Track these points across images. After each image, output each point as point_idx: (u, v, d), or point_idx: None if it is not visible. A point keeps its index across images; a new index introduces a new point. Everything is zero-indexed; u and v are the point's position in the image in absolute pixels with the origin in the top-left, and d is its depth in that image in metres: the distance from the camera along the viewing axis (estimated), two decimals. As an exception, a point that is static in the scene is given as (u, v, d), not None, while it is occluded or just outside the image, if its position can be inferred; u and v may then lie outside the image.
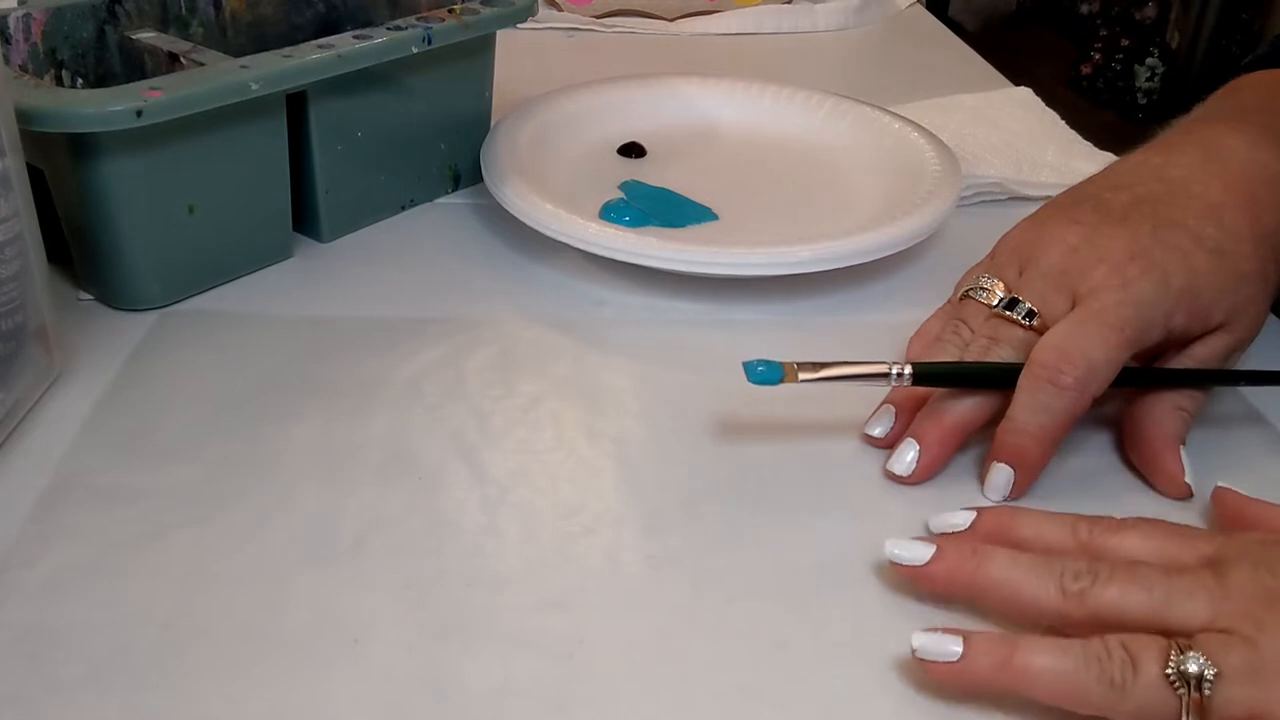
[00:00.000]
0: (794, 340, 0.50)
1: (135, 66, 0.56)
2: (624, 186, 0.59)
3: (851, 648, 0.34)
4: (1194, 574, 0.32)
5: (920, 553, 0.35)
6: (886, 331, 0.49)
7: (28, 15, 0.52)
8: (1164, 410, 0.42)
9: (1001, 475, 0.40)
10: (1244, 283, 0.42)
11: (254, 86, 0.47)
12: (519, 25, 0.59)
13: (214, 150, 0.49)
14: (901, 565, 0.36)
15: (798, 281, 0.52)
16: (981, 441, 0.42)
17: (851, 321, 0.52)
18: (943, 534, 0.38)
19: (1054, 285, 0.42)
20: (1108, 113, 2.12)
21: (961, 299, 0.45)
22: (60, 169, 0.47)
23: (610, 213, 0.55)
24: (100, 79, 0.56)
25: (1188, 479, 0.41)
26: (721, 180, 0.61)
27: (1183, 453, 0.41)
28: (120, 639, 0.34)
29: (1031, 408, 0.40)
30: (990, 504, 0.40)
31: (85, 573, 0.36)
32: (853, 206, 0.58)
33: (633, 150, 0.63)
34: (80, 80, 0.55)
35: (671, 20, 0.94)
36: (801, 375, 0.40)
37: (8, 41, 0.51)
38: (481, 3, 0.58)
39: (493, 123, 0.62)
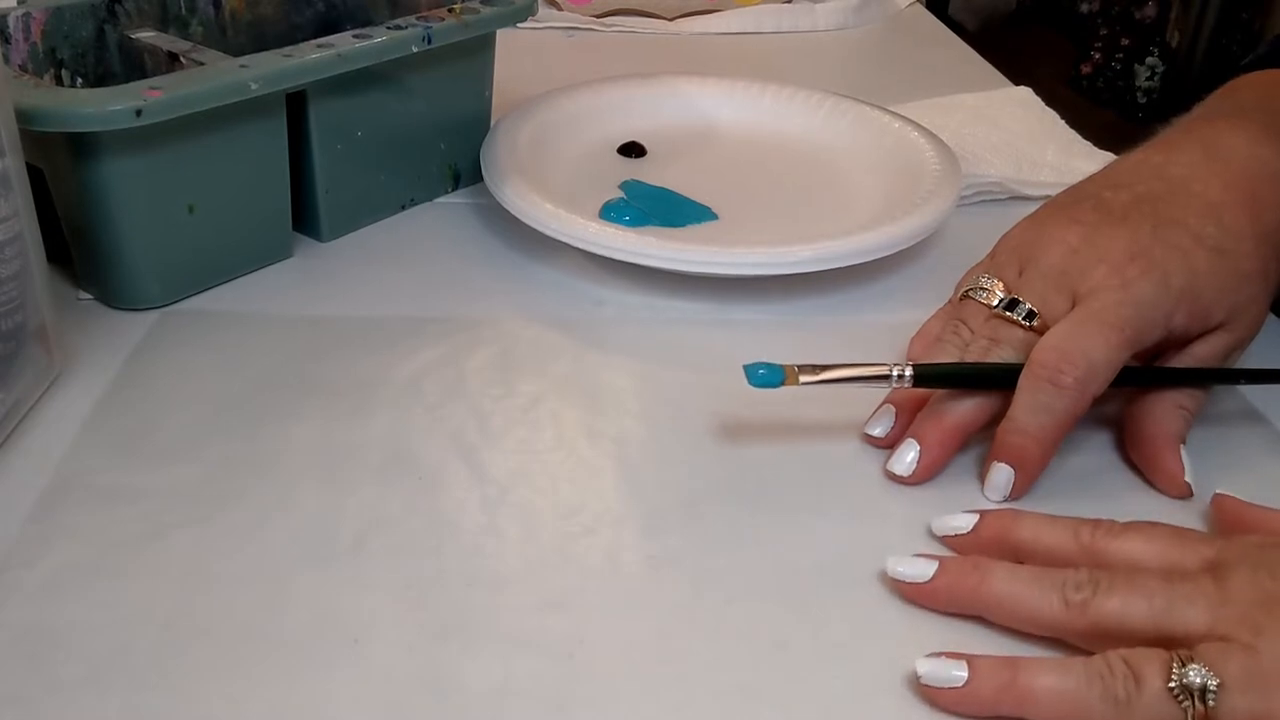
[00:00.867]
0: (794, 340, 0.50)
1: (135, 66, 0.56)
2: (624, 186, 0.59)
3: (851, 648, 0.34)
4: (1194, 580, 0.32)
5: (922, 570, 0.36)
6: (886, 332, 0.49)
7: (28, 15, 0.52)
8: (1165, 409, 0.42)
9: (1002, 475, 0.40)
10: (1245, 282, 0.42)
11: (254, 86, 0.47)
12: (519, 25, 0.59)
13: (214, 150, 0.49)
14: (903, 583, 0.36)
15: (798, 281, 0.52)
16: (982, 442, 0.42)
17: (851, 321, 0.52)
18: (943, 550, 0.38)
19: (1054, 285, 0.42)
20: (1108, 112, 2.12)
21: (961, 299, 0.45)
22: (60, 169, 0.47)
23: (610, 212, 0.55)
24: (100, 79, 0.56)
25: (1188, 478, 0.41)
26: (721, 180, 0.61)
27: (1183, 452, 0.41)
28: (120, 639, 0.34)
29: (1032, 408, 0.40)
30: (991, 504, 0.40)
31: (85, 573, 0.36)
32: (853, 206, 0.58)
33: (633, 150, 0.63)
34: (80, 80, 0.55)
35: (671, 20, 0.94)
36: (802, 378, 0.40)
37: (8, 41, 0.51)
38: (481, 2, 0.58)
39: (493, 122, 0.62)
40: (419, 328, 0.50)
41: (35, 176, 0.43)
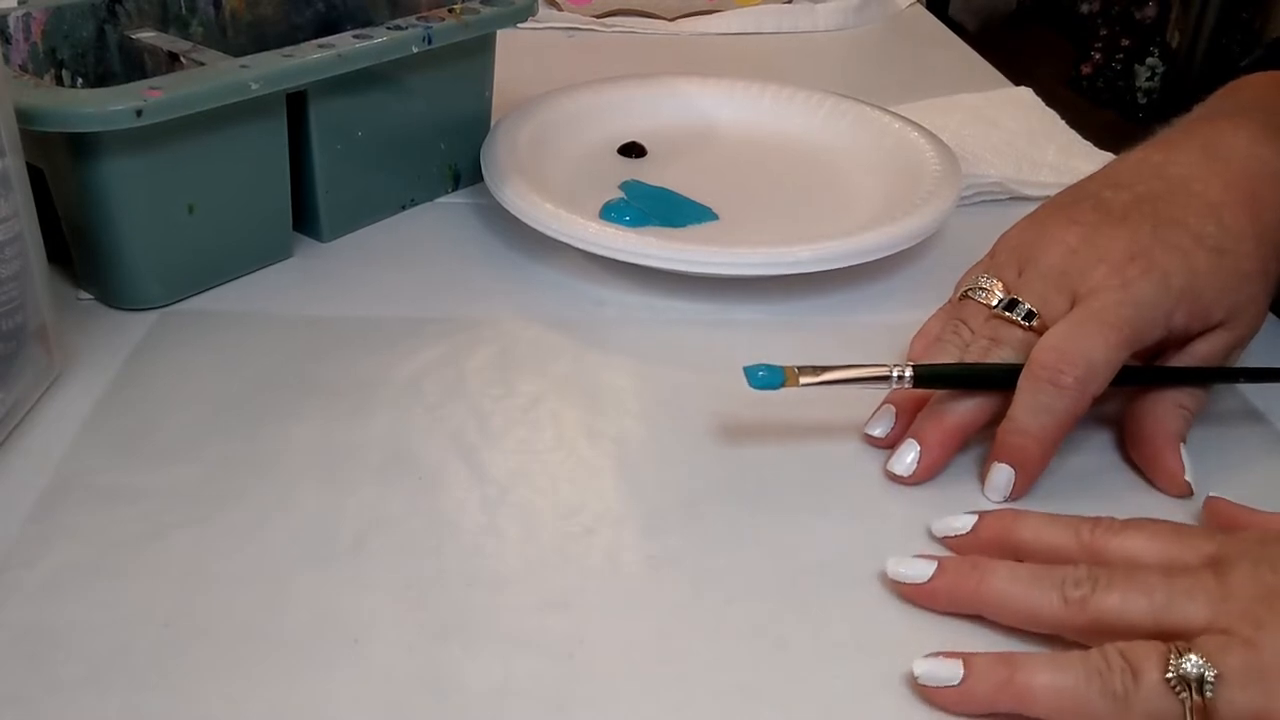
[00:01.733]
0: (794, 340, 0.50)
1: (135, 66, 0.56)
2: (624, 186, 0.59)
3: (851, 648, 0.34)
4: (1194, 575, 0.32)
5: (921, 570, 0.36)
6: (886, 332, 0.49)
7: (28, 15, 0.52)
8: (1165, 408, 0.42)
9: (1002, 475, 0.40)
10: (1245, 281, 0.42)
11: (254, 86, 0.47)
12: (519, 25, 0.59)
13: (214, 150, 0.49)
14: (903, 583, 0.36)
15: (798, 281, 0.52)
16: (982, 442, 0.42)
17: (851, 322, 0.52)
18: (943, 550, 0.38)
19: (1054, 286, 0.42)
20: (1108, 112, 2.12)
21: (961, 299, 0.44)
22: (60, 169, 0.47)
23: (610, 212, 0.55)
24: (100, 79, 0.56)
25: (1188, 477, 0.41)
26: (721, 180, 0.61)
27: (1183, 451, 0.41)
28: (120, 639, 0.34)
29: (1032, 408, 0.40)
30: (991, 504, 0.40)
31: (85, 573, 0.36)
32: (853, 206, 0.58)
33: (633, 150, 0.63)
34: (80, 80, 0.55)
35: (671, 20, 0.94)
36: (803, 379, 0.40)
37: (8, 41, 0.51)
38: (481, 2, 0.58)
39: (493, 123, 0.62)
40: (419, 328, 0.50)
41: (35, 176, 0.43)
